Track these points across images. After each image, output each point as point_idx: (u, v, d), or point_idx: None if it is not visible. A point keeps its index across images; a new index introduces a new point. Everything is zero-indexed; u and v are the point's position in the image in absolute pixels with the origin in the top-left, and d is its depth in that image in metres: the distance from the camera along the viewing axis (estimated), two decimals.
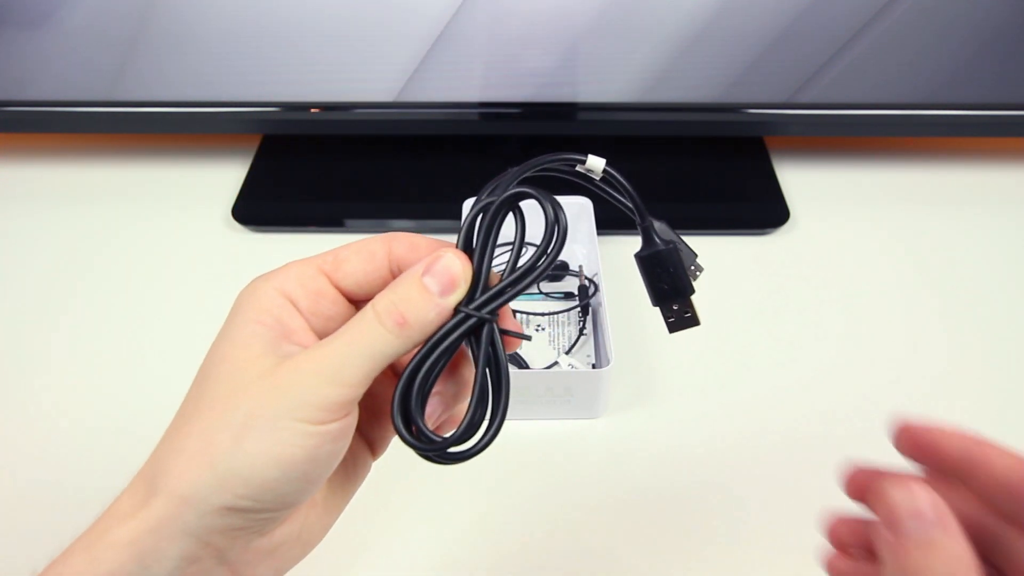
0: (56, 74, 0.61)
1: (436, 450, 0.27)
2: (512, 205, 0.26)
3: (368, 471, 0.31)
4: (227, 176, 0.69)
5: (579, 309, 0.55)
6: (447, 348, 0.27)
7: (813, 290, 0.58)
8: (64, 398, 0.51)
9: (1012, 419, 0.50)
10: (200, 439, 0.25)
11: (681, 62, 0.59)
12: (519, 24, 0.58)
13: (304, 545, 0.28)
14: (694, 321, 0.30)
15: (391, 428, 0.29)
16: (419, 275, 0.26)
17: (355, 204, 0.66)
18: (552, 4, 0.57)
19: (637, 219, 0.29)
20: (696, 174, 0.68)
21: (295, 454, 0.24)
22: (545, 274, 0.27)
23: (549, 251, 0.26)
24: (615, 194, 0.29)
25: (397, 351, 0.26)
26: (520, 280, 0.27)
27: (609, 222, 0.58)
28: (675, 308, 0.30)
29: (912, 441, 0.26)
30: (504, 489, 0.46)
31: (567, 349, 0.53)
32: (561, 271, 0.57)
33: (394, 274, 0.28)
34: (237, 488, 0.24)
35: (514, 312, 0.54)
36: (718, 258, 0.60)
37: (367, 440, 0.30)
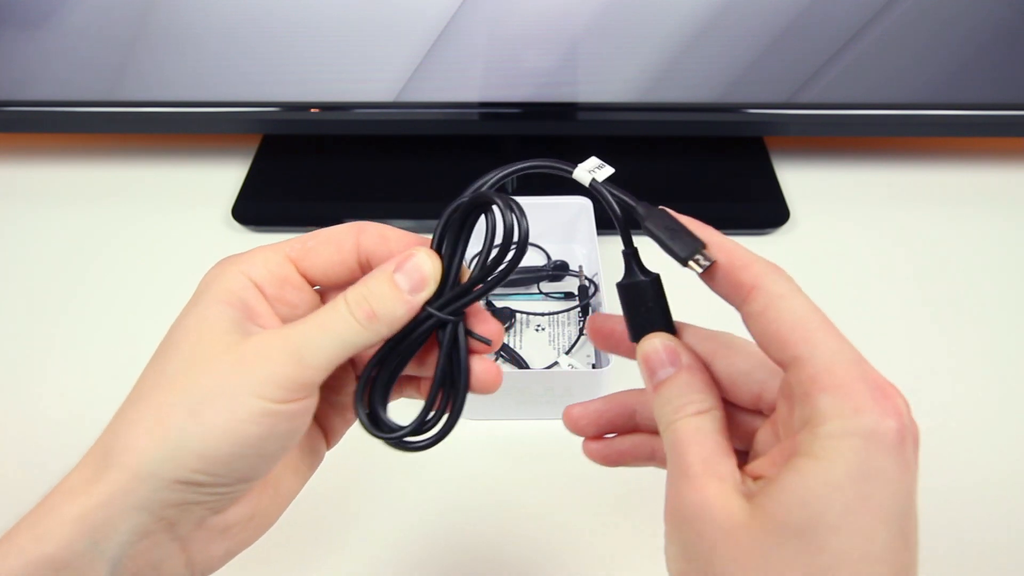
0: (56, 74, 0.61)
1: (393, 439, 0.28)
2: (481, 208, 0.27)
3: (322, 459, 0.31)
4: (227, 176, 0.69)
5: (579, 309, 0.55)
6: (412, 343, 0.28)
7: (812, 290, 0.58)
8: (64, 398, 0.51)
9: (1012, 419, 0.49)
10: (157, 412, 0.25)
11: (681, 62, 0.59)
12: (519, 24, 0.58)
13: (257, 528, 0.28)
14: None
15: (346, 419, 0.30)
16: (390, 271, 0.27)
17: (355, 204, 0.66)
18: (552, 4, 0.57)
19: (623, 243, 0.28)
20: (696, 174, 0.68)
21: (252, 431, 0.24)
22: (504, 279, 0.27)
23: (509, 258, 0.26)
24: (603, 198, 0.28)
25: (364, 342, 0.26)
26: (482, 282, 0.27)
27: (609, 222, 0.58)
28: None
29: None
30: (504, 488, 0.46)
31: (567, 349, 0.53)
32: (561, 271, 0.57)
33: (362, 265, 0.28)
34: (192, 462, 0.24)
35: (514, 312, 0.54)
36: None
37: (323, 428, 0.30)
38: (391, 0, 0.57)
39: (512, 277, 0.56)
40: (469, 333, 0.28)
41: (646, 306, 0.27)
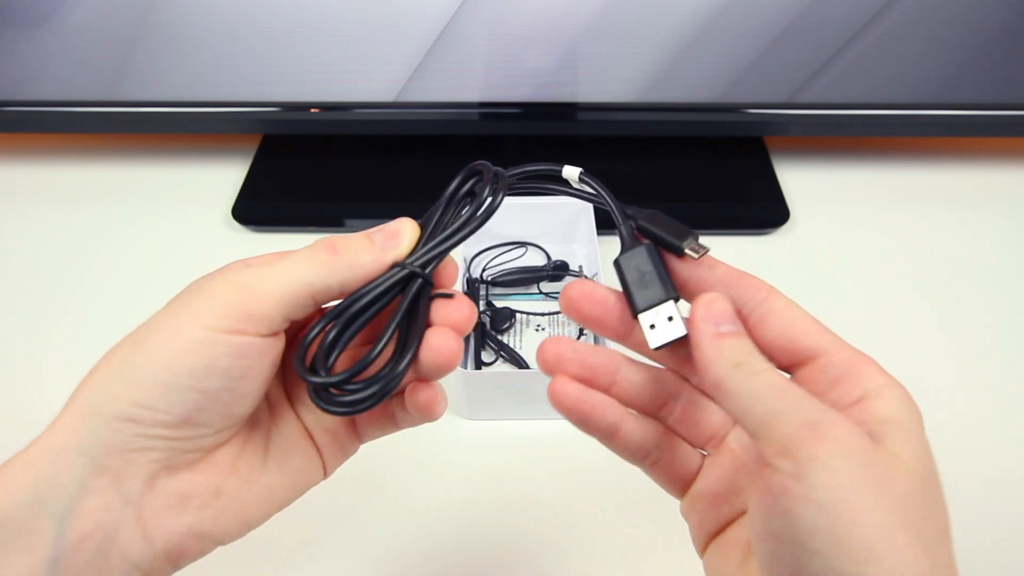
0: (56, 74, 0.61)
1: (319, 385, 0.25)
2: (466, 188, 0.28)
3: (318, 475, 0.29)
4: (227, 176, 0.69)
5: None
6: (376, 297, 0.26)
7: (813, 290, 0.58)
8: (64, 398, 0.51)
9: (1012, 418, 0.50)
10: (112, 355, 0.25)
11: (681, 62, 0.59)
12: (519, 24, 0.58)
13: (225, 509, 0.26)
14: (678, 329, 0.26)
15: (342, 448, 0.29)
16: (368, 231, 0.27)
17: (355, 204, 0.66)
18: (552, 4, 0.57)
19: (618, 220, 0.28)
20: (696, 174, 0.68)
21: (188, 360, 0.23)
22: (472, 230, 0.27)
23: (480, 210, 0.27)
24: (595, 199, 0.28)
25: (321, 280, 0.25)
26: (450, 236, 0.27)
27: (609, 222, 0.58)
28: (657, 316, 0.26)
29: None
30: (503, 488, 0.46)
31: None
32: (561, 271, 0.57)
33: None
34: (130, 393, 0.23)
35: (514, 312, 0.54)
36: (718, 258, 0.60)
37: (305, 427, 0.29)
38: (391, 0, 0.57)
39: (512, 277, 0.56)
40: (434, 294, 0.27)
41: (647, 273, 0.26)
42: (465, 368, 0.48)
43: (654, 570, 0.43)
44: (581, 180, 0.28)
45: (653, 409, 0.29)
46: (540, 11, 0.57)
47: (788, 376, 0.25)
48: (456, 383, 0.48)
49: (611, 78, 0.61)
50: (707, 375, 0.24)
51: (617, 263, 0.27)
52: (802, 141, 0.72)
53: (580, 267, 0.57)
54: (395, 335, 0.26)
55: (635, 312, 0.26)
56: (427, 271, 0.27)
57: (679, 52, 0.59)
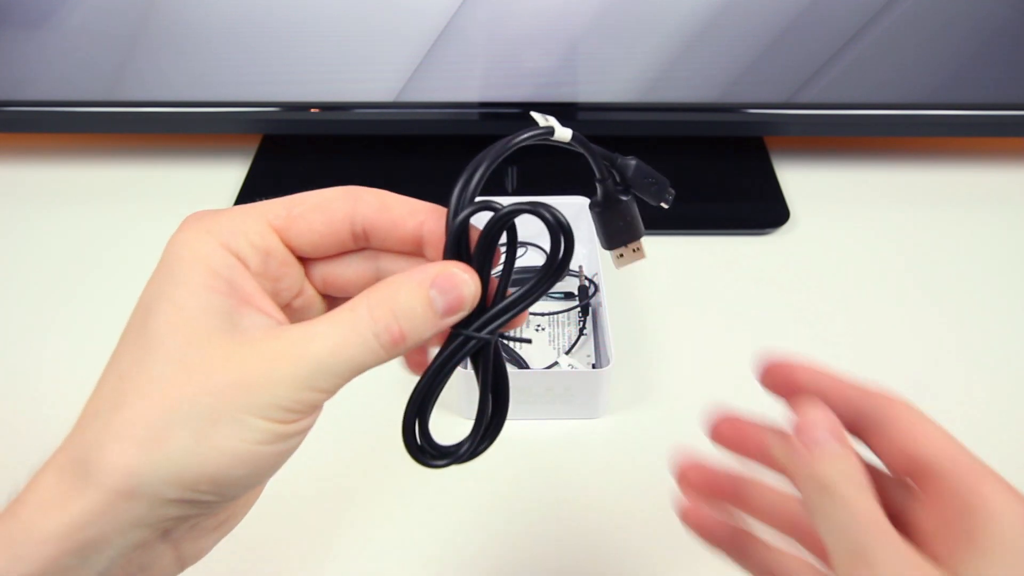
0: (56, 74, 0.61)
1: (448, 462, 0.27)
2: (509, 220, 0.25)
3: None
4: (227, 176, 0.69)
5: (579, 309, 0.55)
6: (448, 371, 0.26)
7: (813, 290, 0.58)
8: (64, 398, 0.51)
9: (1012, 418, 0.49)
10: (150, 427, 0.22)
11: (681, 62, 0.59)
12: (519, 24, 0.58)
13: (243, 512, 0.27)
14: (641, 255, 0.31)
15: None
16: (427, 286, 0.23)
17: None
18: (552, 4, 0.57)
19: (596, 176, 0.30)
20: (696, 174, 0.68)
21: (263, 452, 0.23)
22: (551, 287, 0.26)
23: (557, 263, 0.25)
24: (588, 155, 0.29)
25: (381, 363, 0.24)
26: (525, 298, 0.25)
27: None
28: (625, 248, 0.31)
29: (779, 379, 0.28)
30: (503, 488, 0.46)
31: (567, 349, 0.53)
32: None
33: (355, 236, 0.26)
34: (200, 484, 0.22)
35: None
36: (718, 258, 0.60)
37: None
38: (391, 0, 0.57)
39: (512, 277, 0.56)
40: (507, 341, 0.27)
41: (624, 220, 0.31)
42: (465, 368, 0.48)
43: (654, 568, 0.42)
44: (573, 140, 0.28)
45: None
46: (540, 11, 0.57)
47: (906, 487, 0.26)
48: (456, 383, 0.48)
49: (611, 78, 0.61)
50: (797, 489, 0.25)
51: (592, 207, 0.31)
52: (802, 141, 0.72)
53: (580, 267, 0.57)
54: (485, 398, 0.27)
55: (607, 247, 0.31)
56: (495, 335, 0.26)
57: (679, 52, 0.59)
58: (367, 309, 0.23)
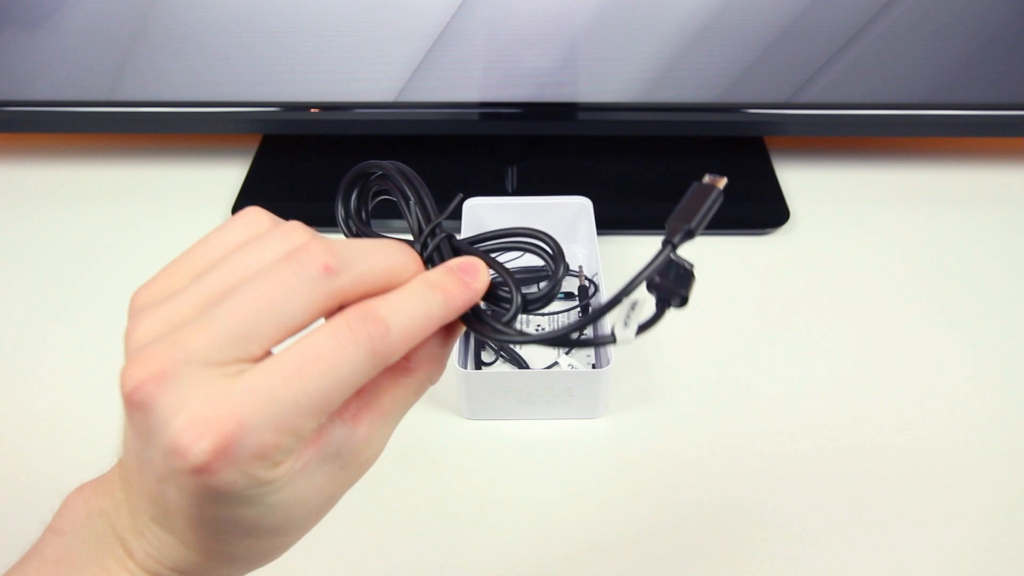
0: (56, 74, 0.61)
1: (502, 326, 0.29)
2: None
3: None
4: (227, 176, 0.69)
5: (579, 309, 0.55)
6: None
7: (813, 290, 0.58)
8: (65, 399, 0.51)
9: (1012, 418, 0.50)
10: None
11: (681, 62, 0.59)
12: (519, 24, 0.58)
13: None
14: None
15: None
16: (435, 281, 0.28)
17: None
18: (552, 4, 0.57)
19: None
20: (696, 174, 0.68)
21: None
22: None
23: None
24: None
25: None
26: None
27: (609, 222, 0.58)
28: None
29: None
30: (503, 488, 0.46)
31: (567, 349, 0.53)
32: None
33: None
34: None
35: None
36: (718, 258, 0.60)
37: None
38: (391, 0, 0.57)
39: (518, 278, 0.56)
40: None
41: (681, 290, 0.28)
42: (465, 368, 0.48)
43: (654, 568, 0.43)
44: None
45: None
46: (540, 11, 0.57)
47: None
48: (456, 383, 0.48)
49: (611, 78, 0.61)
50: None
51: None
52: (802, 141, 0.72)
53: (580, 267, 0.57)
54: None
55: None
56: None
57: (679, 52, 0.59)
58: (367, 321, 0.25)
